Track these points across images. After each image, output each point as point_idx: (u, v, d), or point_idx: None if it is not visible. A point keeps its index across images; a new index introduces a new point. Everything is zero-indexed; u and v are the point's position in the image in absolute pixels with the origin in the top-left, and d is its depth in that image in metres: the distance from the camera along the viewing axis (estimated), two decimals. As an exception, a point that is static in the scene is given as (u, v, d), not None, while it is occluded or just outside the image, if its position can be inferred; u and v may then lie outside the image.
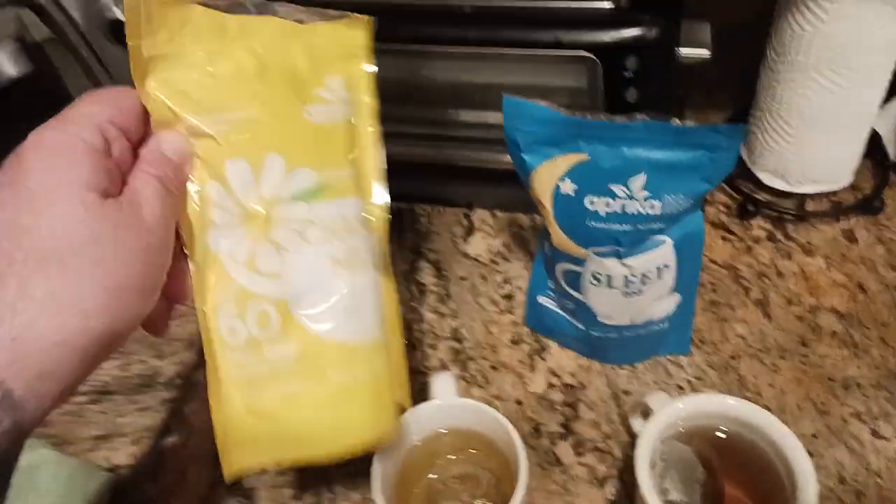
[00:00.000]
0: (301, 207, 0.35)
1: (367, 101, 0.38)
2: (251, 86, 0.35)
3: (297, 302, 0.35)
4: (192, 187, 0.35)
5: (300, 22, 0.37)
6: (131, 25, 0.32)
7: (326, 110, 0.36)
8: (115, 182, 0.30)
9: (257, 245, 0.35)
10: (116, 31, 0.55)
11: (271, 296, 0.35)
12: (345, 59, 0.38)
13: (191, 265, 0.35)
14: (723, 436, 0.41)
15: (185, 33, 0.33)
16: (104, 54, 0.55)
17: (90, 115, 0.30)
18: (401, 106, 0.61)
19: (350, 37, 0.38)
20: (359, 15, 0.38)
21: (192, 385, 0.57)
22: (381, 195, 0.38)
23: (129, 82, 0.57)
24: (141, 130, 0.33)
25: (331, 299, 0.36)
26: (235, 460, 0.36)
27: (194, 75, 0.34)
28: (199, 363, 0.59)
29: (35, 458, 0.50)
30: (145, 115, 0.33)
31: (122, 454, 0.53)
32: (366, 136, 0.38)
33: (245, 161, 0.34)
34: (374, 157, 0.38)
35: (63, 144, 0.29)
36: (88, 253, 0.27)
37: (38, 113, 0.61)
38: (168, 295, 0.35)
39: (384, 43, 0.54)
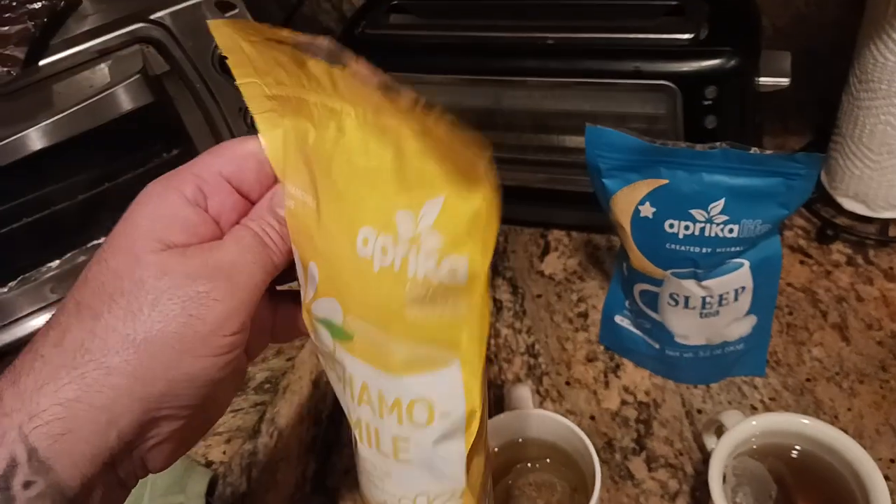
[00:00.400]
0: (327, 337, 0.28)
1: (476, 276, 0.25)
2: (322, 164, 0.27)
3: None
4: None
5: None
6: (236, 64, 0.28)
7: (390, 247, 0.25)
8: (199, 234, 0.28)
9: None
10: (224, 64, 0.60)
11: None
12: (459, 181, 0.24)
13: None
14: (796, 455, 0.42)
15: (294, 77, 0.27)
16: (213, 85, 0.60)
17: (196, 166, 0.29)
18: (485, 132, 0.64)
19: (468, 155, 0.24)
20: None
21: (280, 390, 0.61)
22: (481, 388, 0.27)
23: (229, 107, 0.62)
24: (262, 181, 0.30)
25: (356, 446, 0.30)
26: None
27: (300, 132, 0.28)
28: (286, 369, 0.63)
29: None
30: (265, 164, 0.29)
31: (217, 451, 0.58)
32: (476, 311, 0.26)
33: (297, 252, 0.29)
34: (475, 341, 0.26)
35: (155, 196, 0.28)
36: (124, 303, 0.25)
37: (154, 139, 0.67)
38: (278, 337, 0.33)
39: (472, 74, 0.57)
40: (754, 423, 0.41)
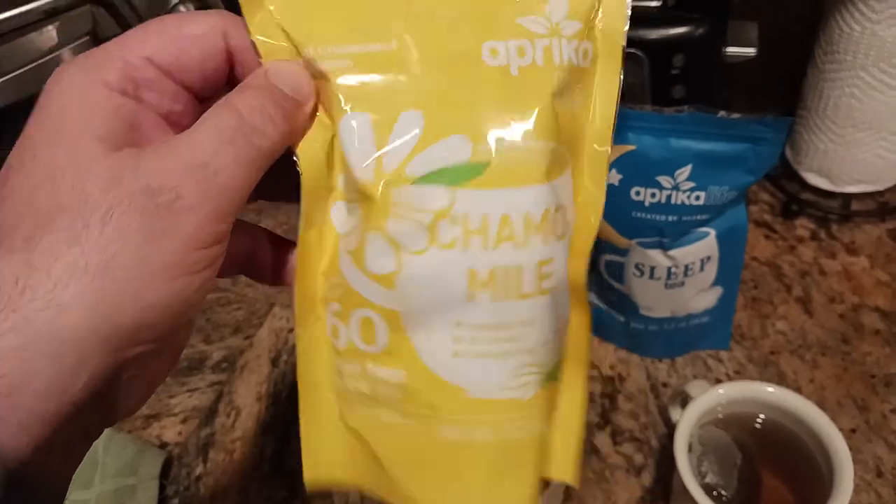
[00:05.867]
0: (438, 193, 0.24)
1: (616, 32, 0.26)
2: (395, 8, 0.24)
3: (413, 319, 0.25)
4: (321, 136, 0.25)
5: None
6: None
7: (526, 47, 0.24)
8: (144, 131, 0.23)
9: (368, 235, 0.24)
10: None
11: (379, 304, 0.25)
12: None
13: (300, 237, 0.26)
14: (761, 423, 0.41)
15: None
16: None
17: (121, 48, 0.23)
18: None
19: None
20: None
21: (238, 369, 0.59)
22: (598, 183, 0.27)
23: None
24: (209, 75, 0.24)
25: (461, 330, 0.25)
26: (323, 469, 0.28)
27: None
28: (244, 348, 0.61)
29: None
30: (218, 52, 0.24)
31: (172, 432, 0.56)
32: (601, 88, 0.26)
33: (367, 116, 0.24)
34: (603, 121, 0.26)
35: (76, 88, 0.22)
36: (65, 223, 0.20)
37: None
38: (259, 275, 0.28)
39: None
40: (721, 391, 0.40)
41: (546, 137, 0.24)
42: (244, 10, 0.24)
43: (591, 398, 0.53)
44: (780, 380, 0.52)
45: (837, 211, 0.61)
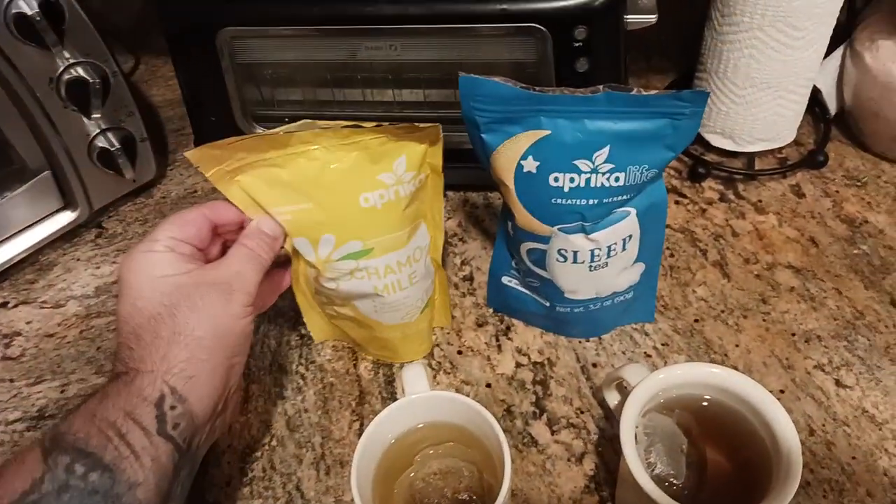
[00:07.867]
0: (349, 263, 0.47)
1: (437, 164, 0.48)
2: (309, 185, 0.44)
3: (351, 299, 0.50)
4: (289, 243, 0.47)
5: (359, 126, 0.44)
6: (205, 164, 0.43)
7: (384, 193, 0.45)
8: (191, 257, 0.42)
9: (319, 277, 0.49)
10: (21, 25, 0.51)
11: (333, 295, 0.50)
12: (410, 143, 0.45)
13: (292, 268, 0.50)
14: (704, 404, 0.41)
15: (256, 151, 0.43)
16: (12, 51, 0.51)
17: (153, 236, 0.41)
18: (344, 87, 0.58)
19: (417, 131, 0.45)
20: (426, 124, 0.45)
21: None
22: (437, 238, 0.52)
23: (36, 77, 0.53)
24: (200, 234, 0.43)
25: (373, 304, 0.50)
26: (319, 335, 0.56)
27: (266, 178, 0.44)
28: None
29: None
30: (204, 225, 0.44)
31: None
32: (432, 188, 0.49)
33: (305, 239, 0.46)
34: (435, 210, 0.51)
35: (144, 258, 0.41)
36: (186, 305, 0.39)
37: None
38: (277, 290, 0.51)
39: (324, 23, 0.52)
40: (661, 376, 0.39)
41: (400, 229, 0.48)
42: (220, 188, 0.44)
43: (522, 387, 0.51)
44: (708, 347, 0.52)
45: (742, 170, 0.61)
